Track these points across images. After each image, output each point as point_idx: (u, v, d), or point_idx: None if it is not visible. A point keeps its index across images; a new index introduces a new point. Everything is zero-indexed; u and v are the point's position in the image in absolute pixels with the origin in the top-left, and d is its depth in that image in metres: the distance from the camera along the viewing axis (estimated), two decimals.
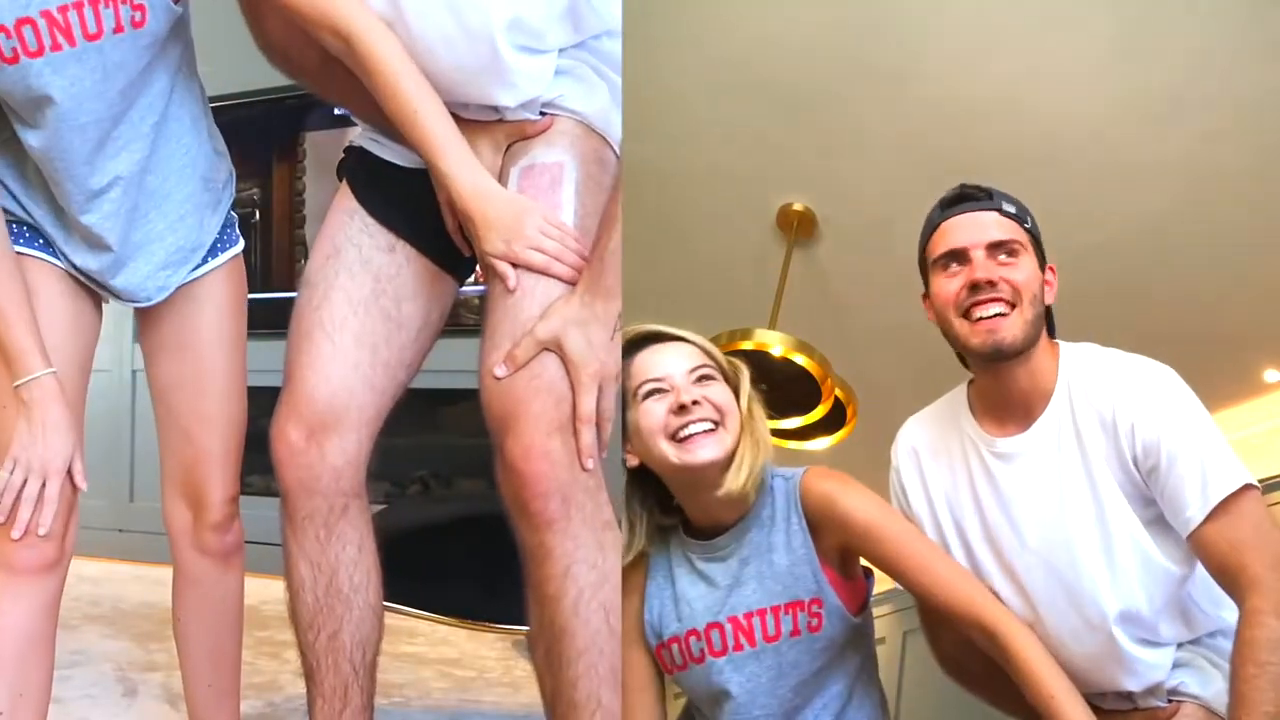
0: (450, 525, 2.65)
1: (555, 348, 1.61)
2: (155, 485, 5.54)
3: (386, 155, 1.88)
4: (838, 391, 2.98)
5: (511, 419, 1.63)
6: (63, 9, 1.60)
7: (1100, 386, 1.67)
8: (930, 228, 1.78)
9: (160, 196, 1.80)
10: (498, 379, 1.62)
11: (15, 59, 1.60)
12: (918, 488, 1.82)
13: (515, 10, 1.67)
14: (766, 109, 2.92)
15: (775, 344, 2.78)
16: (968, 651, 1.80)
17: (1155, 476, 1.62)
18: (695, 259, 3.42)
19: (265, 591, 4.11)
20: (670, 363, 1.66)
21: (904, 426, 1.90)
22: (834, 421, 3.09)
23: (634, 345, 1.67)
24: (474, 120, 1.76)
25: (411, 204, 1.83)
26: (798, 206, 3.14)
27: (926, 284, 1.79)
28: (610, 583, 1.63)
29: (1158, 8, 2.51)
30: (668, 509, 1.77)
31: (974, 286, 1.67)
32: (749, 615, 1.67)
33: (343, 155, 1.96)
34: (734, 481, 1.64)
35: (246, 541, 4.83)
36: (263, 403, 5.16)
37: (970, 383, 1.81)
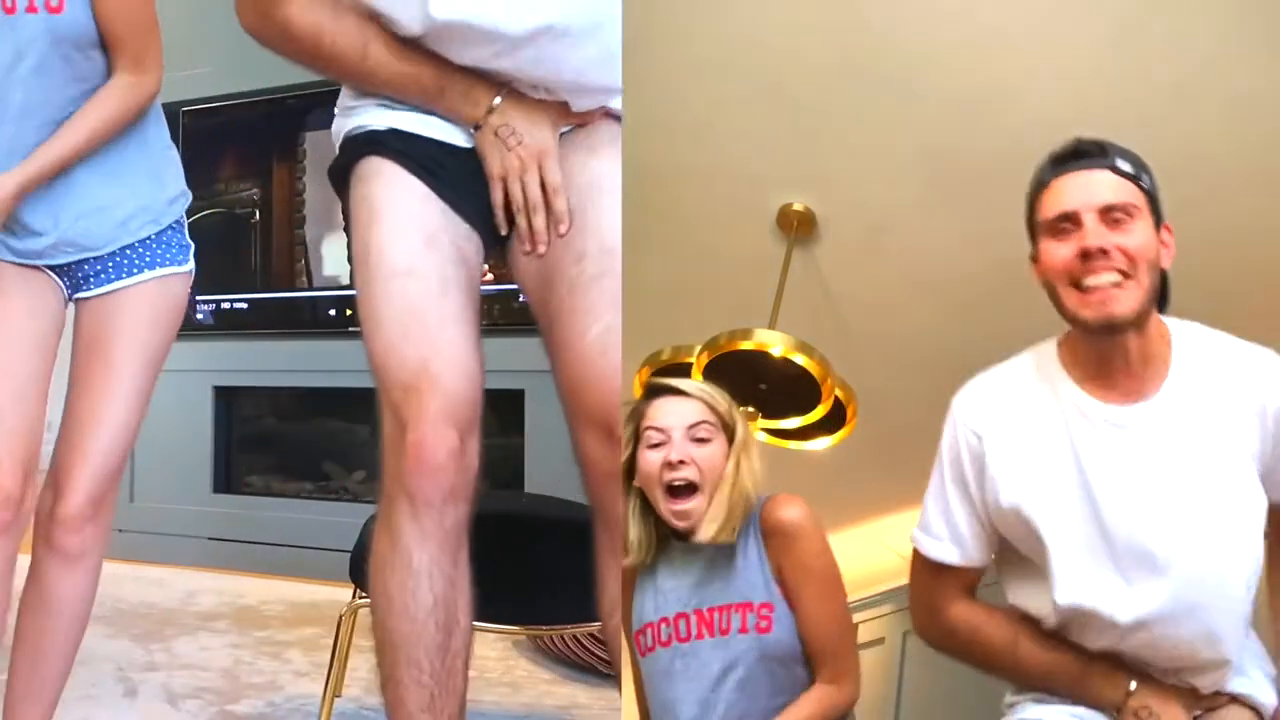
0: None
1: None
2: (155, 485, 5.55)
3: (438, 135, 1.79)
4: (838, 391, 2.98)
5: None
6: None
7: (1222, 363, 1.61)
8: (1038, 185, 1.65)
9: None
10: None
11: None
12: (1004, 453, 1.67)
13: None
14: (767, 109, 2.92)
15: (775, 344, 2.78)
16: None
17: (1277, 452, 1.57)
18: (695, 259, 3.42)
19: (266, 591, 4.13)
20: (674, 416, 1.81)
21: (969, 389, 1.74)
22: (834, 421, 3.09)
23: (650, 394, 1.83)
24: (539, 100, 1.76)
25: (472, 187, 1.78)
26: (798, 206, 3.14)
27: (1034, 245, 1.66)
28: None
29: (1155, 4, 2.51)
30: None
31: (1085, 254, 1.56)
32: (711, 610, 1.79)
33: (362, 137, 1.82)
34: (706, 533, 1.78)
35: (249, 541, 4.81)
36: (261, 403, 5.18)
37: (1060, 345, 1.69)
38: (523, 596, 2.53)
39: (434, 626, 1.64)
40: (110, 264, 1.93)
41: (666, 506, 1.79)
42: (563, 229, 1.72)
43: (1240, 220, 3.01)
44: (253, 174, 4.83)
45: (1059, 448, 1.64)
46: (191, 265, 2.04)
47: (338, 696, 2.59)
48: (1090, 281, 1.56)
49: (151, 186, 1.97)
